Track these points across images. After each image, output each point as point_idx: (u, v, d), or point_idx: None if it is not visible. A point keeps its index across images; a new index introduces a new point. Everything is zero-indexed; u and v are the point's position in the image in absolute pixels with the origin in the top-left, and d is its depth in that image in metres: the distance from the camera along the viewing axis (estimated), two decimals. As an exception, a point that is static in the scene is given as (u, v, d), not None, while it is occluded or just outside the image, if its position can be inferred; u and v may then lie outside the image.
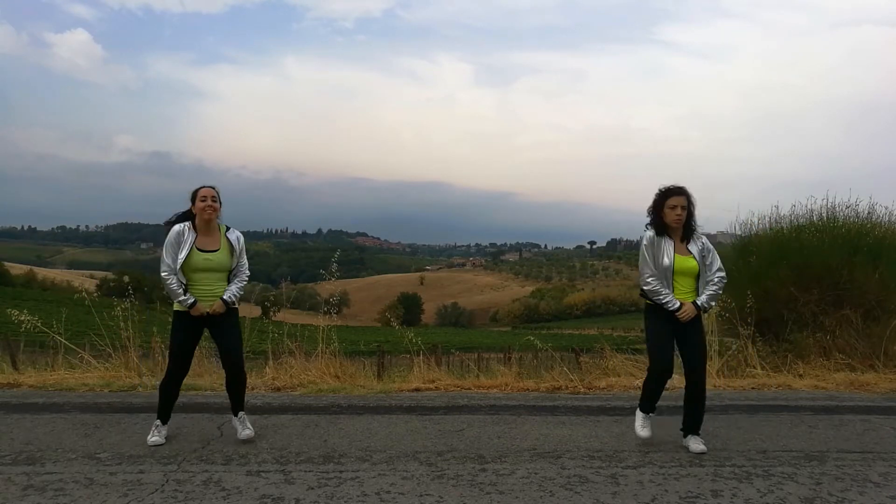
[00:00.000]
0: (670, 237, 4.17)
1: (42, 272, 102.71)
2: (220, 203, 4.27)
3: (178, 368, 4.35)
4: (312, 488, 3.41)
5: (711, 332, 7.03)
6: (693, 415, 4.21)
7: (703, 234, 4.28)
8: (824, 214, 8.45)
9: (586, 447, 4.20)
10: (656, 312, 4.19)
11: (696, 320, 4.20)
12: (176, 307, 4.22)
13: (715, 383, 6.37)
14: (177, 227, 4.22)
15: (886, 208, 8.39)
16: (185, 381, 6.25)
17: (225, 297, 4.22)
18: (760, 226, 8.84)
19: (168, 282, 4.16)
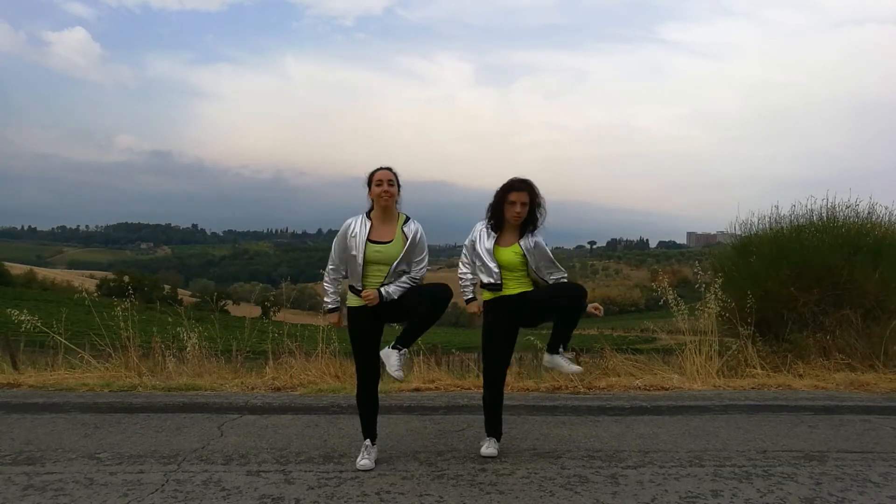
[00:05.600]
0: (499, 232, 3.98)
1: (42, 272, 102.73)
2: (400, 186, 3.83)
3: (364, 373, 3.91)
4: (312, 488, 3.41)
5: (711, 331, 7.04)
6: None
7: (539, 238, 4.00)
8: (824, 214, 8.46)
9: (586, 447, 4.20)
10: (494, 311, 4.00)
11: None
12: (349, 303, 3.88)
13: (715, 383, 6.38)
14: (348, 220, 3.86)
15: (886, 208, 8.41)
16: (184, 380, 6.32)
17: (381, 289, 3.73)
18: (760, 226, 8.85)
19: (325, 281, 3.97)
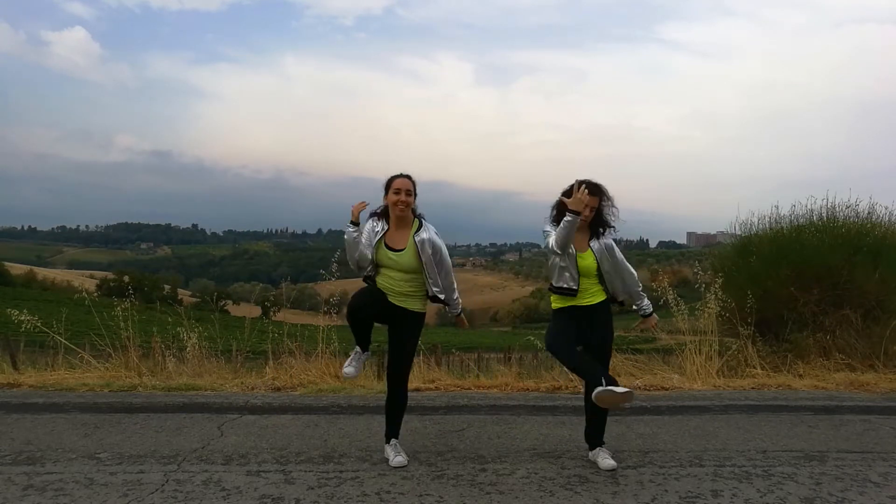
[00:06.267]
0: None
1: (42, 272, 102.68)
2: (416, 195, 3.82)
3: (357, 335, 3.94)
4: (312, 488, 3.41)
5: (712, 331, 7.04)
6: (597, 424, 3.90)
7: (609, 240, 3.85)
8: (824, 214, 8.46)
9: (586, 447, 4.19)
10: (561, 312, 3.81)
11: (607, 321, 3.87)
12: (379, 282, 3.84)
13: (715, 383, 6.38)
14: (369, 220, 3.87)
15: (886, 208, 8.42)
16: (184, 380, 6.32)
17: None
18: (760, 226, 8.85)
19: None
